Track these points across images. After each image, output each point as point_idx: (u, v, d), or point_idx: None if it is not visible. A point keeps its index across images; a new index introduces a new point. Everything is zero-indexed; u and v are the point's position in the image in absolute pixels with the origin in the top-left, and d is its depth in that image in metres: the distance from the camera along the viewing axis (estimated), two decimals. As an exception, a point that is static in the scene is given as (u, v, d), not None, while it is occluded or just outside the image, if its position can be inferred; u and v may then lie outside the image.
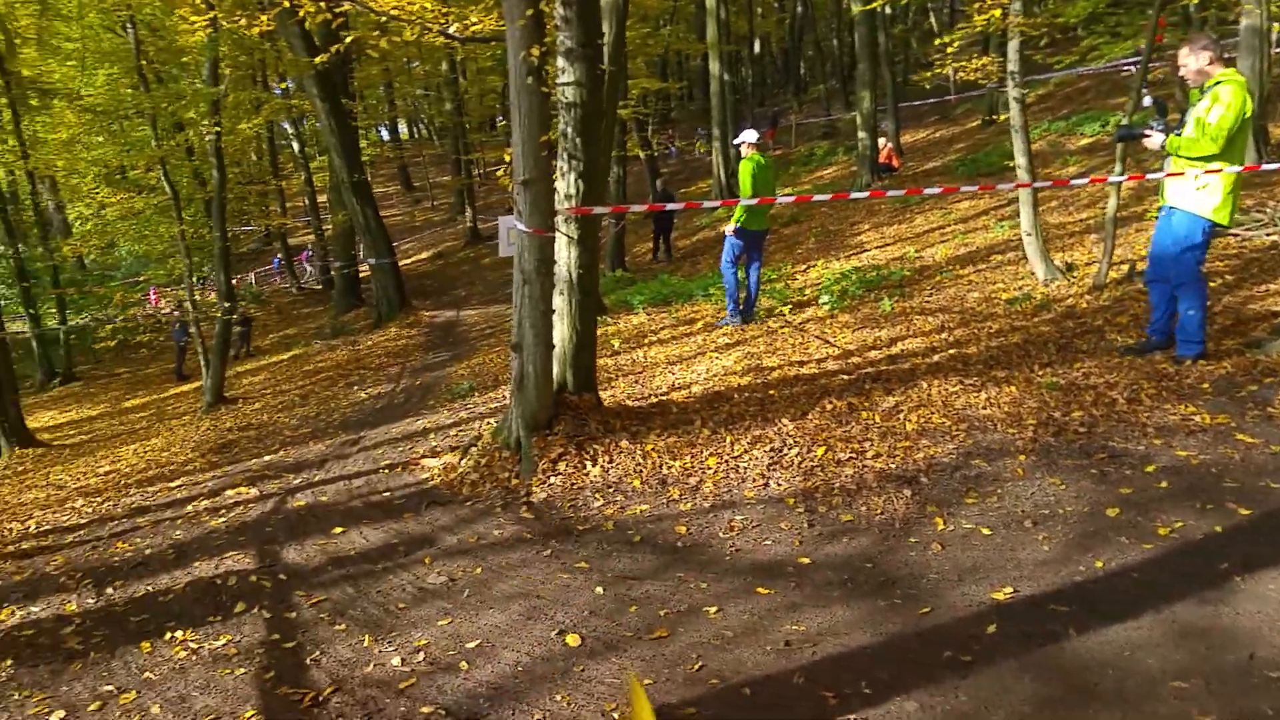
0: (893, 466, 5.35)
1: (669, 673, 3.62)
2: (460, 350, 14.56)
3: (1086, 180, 11.01)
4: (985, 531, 4.41)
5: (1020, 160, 8.68)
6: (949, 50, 11.93)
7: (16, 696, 4.06)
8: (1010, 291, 8.90)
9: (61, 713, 3.87)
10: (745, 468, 5.80)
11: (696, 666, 3.64)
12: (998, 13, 8.43)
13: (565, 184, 6.45)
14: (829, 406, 6.50)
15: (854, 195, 7.38)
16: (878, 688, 3.30)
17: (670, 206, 9.01)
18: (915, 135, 25.19)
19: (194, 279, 15.57)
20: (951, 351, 7.35)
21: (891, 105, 22.38)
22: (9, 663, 4.41)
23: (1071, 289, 8.49)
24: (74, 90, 22.72)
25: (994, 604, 3.76)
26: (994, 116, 21.79)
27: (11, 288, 22.76)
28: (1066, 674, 3.21)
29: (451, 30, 6.38)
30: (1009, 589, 3.85)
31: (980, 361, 6.90)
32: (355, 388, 13.13)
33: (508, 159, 6.31)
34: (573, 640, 3.98)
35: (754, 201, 8.67)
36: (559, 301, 6.72)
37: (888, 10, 16.14)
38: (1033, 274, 9.08)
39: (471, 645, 4.06)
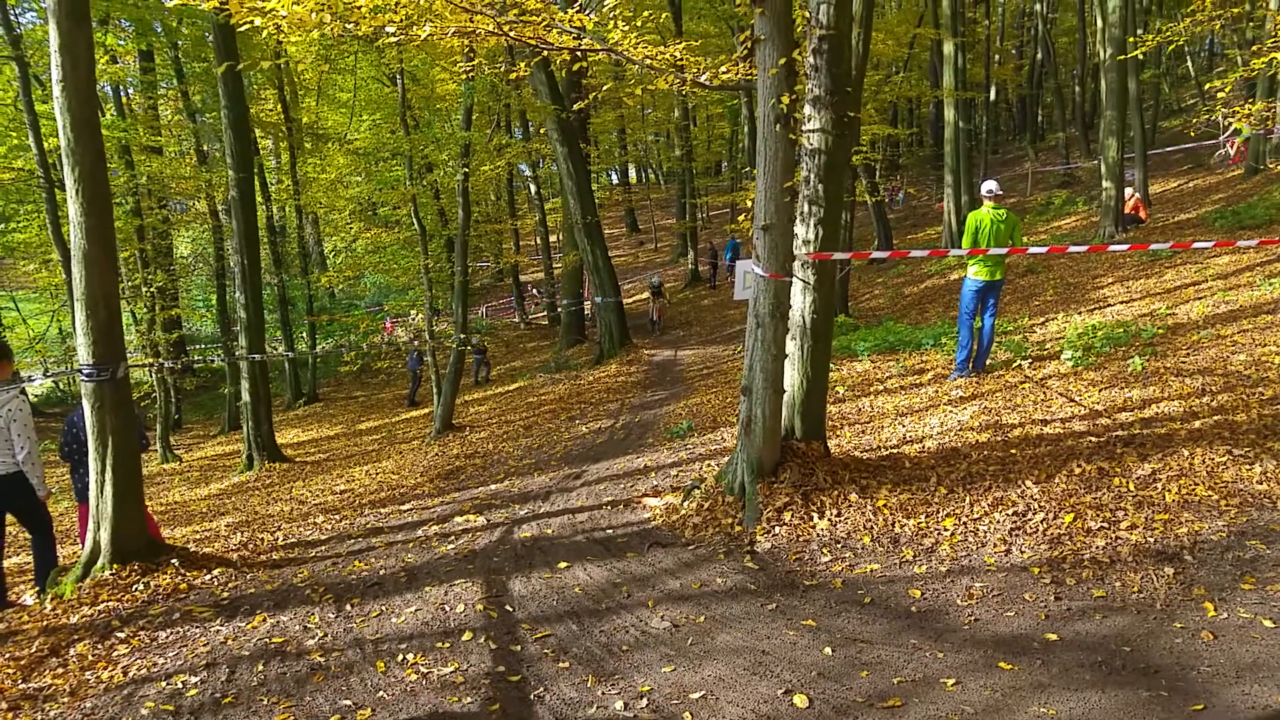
0: (1151, 540, 4.88)
1: (905, 748, 3.37)
2: (678, 390, 14.61)
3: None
4: (1268, 624, 3.92)
5: (1306, 212, 7.84)
6: (1220, 95, 11.00)
7: (265, 701, 4.23)
8: (1288, 355, 8.03)
9: (303, 722, 4.00)
10: (985, 531, 5.43)
11: (936, 744, 3.37)
12: None
13: (805, 229, 6.32)
14: (1077, 470, 6.02)
15: (1113, 248, 6.81)
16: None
17: (876, 254, 8.72)
18: (1164, 185, 23.57)
19: (432, 310, 16.40)
20: (1216, 418, 6.67)
21: (1139, 153, 21.02)
22: (260, 667, 4.62)
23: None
24: (343, 135, 24.71)
25: (1286, 711, 3.31)
26: (1260, 165, 20.05)
27: (273, 313, 24.70)
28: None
29: (704, 78, 6.38)
30: (1304, 696, 3.37)
31: (1252, 431, 6.21)
32: (577, 421, 13.37)
33: (748, 204, 6.24)
34: (800, 701, 3.78)
35: (962, 252, 8.27)
36: (791, 346, 6.57)
37: (1140, 55, 15.16)
38: (1317, 338, 8.16)
39: (695, 696, 3.93)
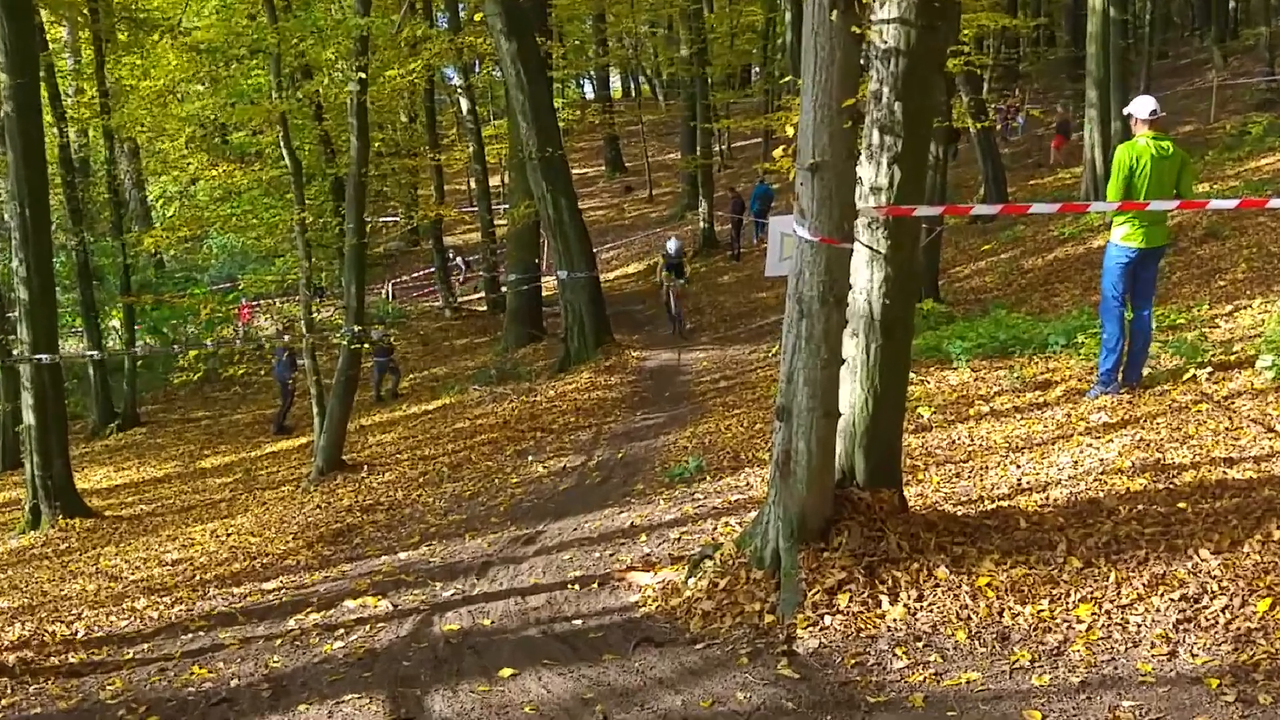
0: (1382, 640, 4.95)
1: None
2: (681, 410, 14.70)
3: None
4: None
5: None
6: None
7: None
8: None
9: None
10: (1137, 624, 5.50)
11: None
12: None
13: (873, 171, 6.35)
14: (1276, 534, 6.10)
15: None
16: None
17: (980, 209, 8.78)
18: None
19: (312, 290, 16.41)
20: None
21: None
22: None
23: None
24: (175, 22, 24.61)
25: None
26: None
27: (69, 291, 24.57)
28: None
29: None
30: None
31: None
32: (530, 458, 13.46)
33: (789, 132, 6.29)
34: None
35: (1112, 207, 8.30)
36: (851, 348, 6.61)
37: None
38: None
39: None
